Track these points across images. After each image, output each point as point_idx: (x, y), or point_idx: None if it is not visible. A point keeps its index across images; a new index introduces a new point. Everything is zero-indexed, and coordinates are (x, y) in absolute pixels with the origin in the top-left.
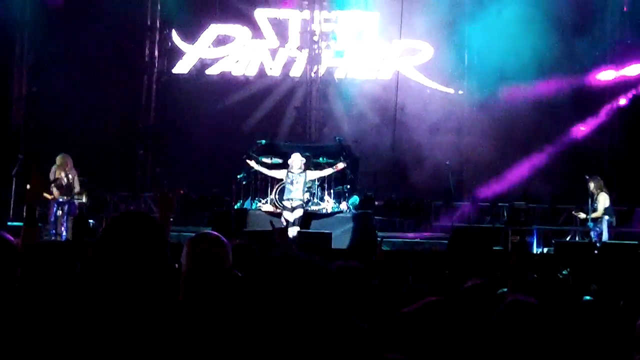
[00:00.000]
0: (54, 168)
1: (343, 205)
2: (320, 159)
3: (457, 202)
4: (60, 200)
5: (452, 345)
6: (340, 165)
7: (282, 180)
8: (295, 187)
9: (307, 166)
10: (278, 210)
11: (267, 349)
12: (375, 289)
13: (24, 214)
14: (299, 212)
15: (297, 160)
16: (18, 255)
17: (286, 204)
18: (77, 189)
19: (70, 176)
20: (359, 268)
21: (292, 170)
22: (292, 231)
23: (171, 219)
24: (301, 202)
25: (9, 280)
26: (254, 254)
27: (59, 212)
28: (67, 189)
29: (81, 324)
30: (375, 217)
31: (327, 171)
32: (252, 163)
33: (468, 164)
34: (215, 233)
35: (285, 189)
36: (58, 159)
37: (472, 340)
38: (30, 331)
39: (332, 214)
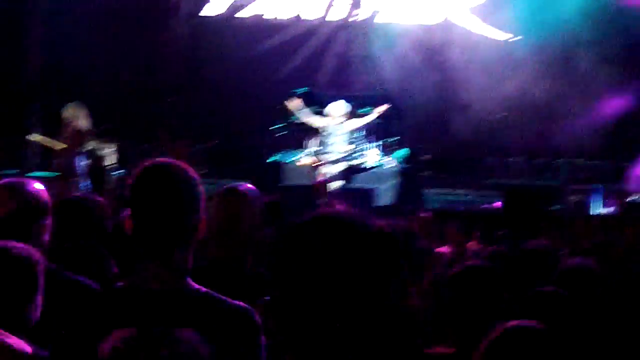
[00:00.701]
0: (70, 118)
1: (388, 159)
2: (363, 109)
3: (511, 158)
4: (84, 150)
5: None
6: (382, 108)
7: (321, 130)
8: (337, 138)
9: (350, 116)
10: (317, 164)
11: (298, 327)
12: (421, 251)
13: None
14: (340, 166)
15: (339, 108)
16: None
17: (326, 156)
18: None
19: (84, 124)
20: (405, 229)
21: (333, 120)
22: (334, 185)
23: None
24: (343, 155)
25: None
26: (280, 211)
27: (82, 163)
28: (84, 138)
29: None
30: (422, 173)
31: (369, 117)
32: (291, 105)
33: (523, 117)
34: (247, 185)
35: (326, 140)
36: (70, 110)
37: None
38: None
39: (377, 168)
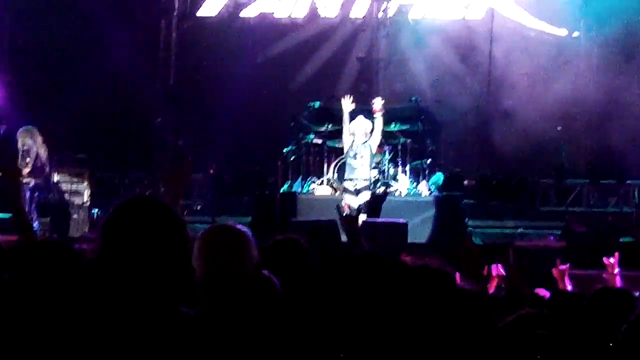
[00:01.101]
0: (21, 143)
1: (422, 186)
2: (392, 125)
3: (572, 180)
4: (33, 183)
5: None
6: (378, 104)
7: (342, 153)
8: (360, 163)
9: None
10: (337, 194)
11: None
12: (464, 294)
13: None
14: (365, 196)
15: (362, 125)
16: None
17: (348, 185)
18: (47, 169)
19: (41, 152)
20: (444, 272)
21: (355, 140)
22: (360, 220)
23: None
24: (367, 183)
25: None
26: (305, 253)
27: (30, 197)
28: (39, 170)
29: (79, 338)
30: (464, 201)
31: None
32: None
33: (586, 131)
34: (235, 225)
35: (347, 166)
36: (23, 133)
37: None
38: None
39: (408, 197)
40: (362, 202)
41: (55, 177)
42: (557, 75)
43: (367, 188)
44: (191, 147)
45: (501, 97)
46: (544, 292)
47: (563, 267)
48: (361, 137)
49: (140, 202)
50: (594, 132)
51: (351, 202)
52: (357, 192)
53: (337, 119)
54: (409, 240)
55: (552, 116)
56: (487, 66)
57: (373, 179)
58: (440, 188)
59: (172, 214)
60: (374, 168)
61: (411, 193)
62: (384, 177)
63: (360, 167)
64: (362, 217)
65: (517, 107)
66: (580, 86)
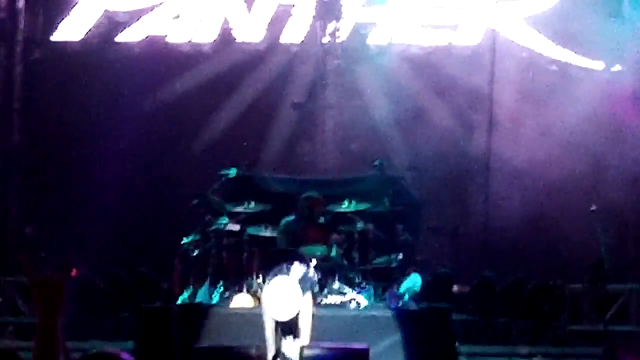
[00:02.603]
0: None
1: (392, 295)
2: (346, 203)
3: (616, 285)
4: None
5: None
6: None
7: (269, 244)
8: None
9: (316, 217)
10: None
11: None
12: None
13: None
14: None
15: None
16: None
17: (275, 292)
18: None
19: None
20: None
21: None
22: (291, 346)
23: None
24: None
25: None
26: None
27: None
28: None
29: None
30: (454, 316)
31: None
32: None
33: (634, 212)
34: (118, 353)
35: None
36: None
37: None
38: None
39: (370, 311)
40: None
41: None
42: (590, 129)
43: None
44: (45, 237)
45: (511, 160)
46: None
47: None
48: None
49: None
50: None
51: (280, 316)
52: (285, 302)
53: (262, 195)
54: None
55: (586, 189)
56: (488, 111)
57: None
58: (417, 297)
59: None
60: (315, 267)
61: (374, 304)
62: (331, 281)
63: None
64: (296, 344)
65: (532, 173)
66: (622, 145)
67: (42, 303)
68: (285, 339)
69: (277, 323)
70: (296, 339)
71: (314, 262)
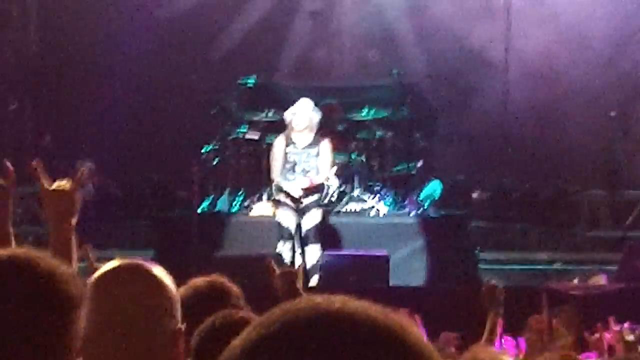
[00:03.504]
0: None
1: (411, 202)
2: (364, 111)
3: (633, 192)
4: None
5: None
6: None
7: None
8: (300, 172)
9: (334, 125)
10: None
11: None
12: None
13: None
14: (314, 217)
15: (301, 117)
16: None
17: (282, 197)
18: None
19: None
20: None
21: (293, 139)
22: (312, 255)
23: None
24: (317, 199)
25: None
26: (235, 305)
27: None
28: None
29: None
30: (473, 224)
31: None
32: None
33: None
34: (145, 264)
35: (284, 176)
36: None
37: None
38: None
39: (390, 218)
40: (310, 226)
41: None
42: (609, 30)
43: (315, 205)
44: (61, 146)
45: (529, 69)
46: (593, 356)
47: (618, 326)
48: (302, 136)
49: None
50: None
51: (289, 223)
52: (300, 211)
53: (280, 103)
54: (393, 282)
55: (605, 97)
56: (506, 17)
57: (331, 193)
58: (436, 204)
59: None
60: (335, 176)
61: (394, 212)
62: (351, 188)
63: (301, 178)
64: (316, 252)
65: (551, 79)
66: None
67: (54, 212)
68: (307, 245)
69: (298, 227)
70: (315, 245)
71: (334, 169)
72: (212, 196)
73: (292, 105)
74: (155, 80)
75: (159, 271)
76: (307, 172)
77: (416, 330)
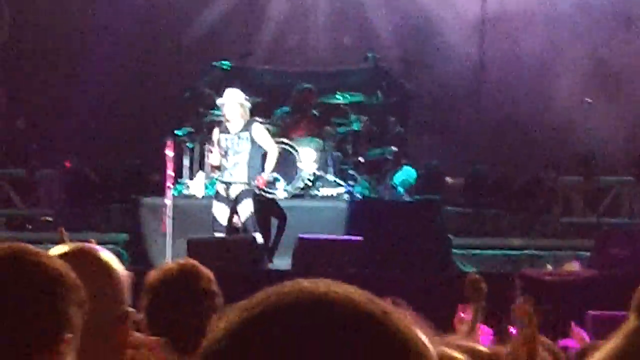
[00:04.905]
0: None
1: (385, 187)
2: (338, 96)
3: (606, 178)
4: None
5: None
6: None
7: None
8: (235, 160)
9: (308, 109)
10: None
11: None
12: None
13: None
14: (246, 207)
15: (230, 107)
16: None
17: (220, 188)
18: None
19: None
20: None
21: (227, 126)
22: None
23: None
24: (247, 187)
25: None
26: (208, 291)
27: None
28: None
29: None
30: (447, 208)
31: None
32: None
33: (627, 106)
34: (93, 248)
35: (221, 165)
36: None
37: None
38: None
39: (361, 202)
40: (245, 217)
41: None
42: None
43: (247, 194)
44: (35, 130)
45: (503, 55)
46: (572, 344)
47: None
48: (237, 122)
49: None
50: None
51: (222, 218)
52: (232, 200)
53: (255, 87)
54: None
55: (579, 84)
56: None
57: (304, 177)
58: (410, 189)
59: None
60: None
61: (368, 197)
62: (325, 173)
63: (235, 166)
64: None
65: (527, 69)
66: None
67: None
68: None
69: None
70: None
71: (309, 154)
72: (185, 180)
73: (267, 89)
74: (129, 64)
75: (106, 255)
76: (238, 153)
77: (402, 316)
